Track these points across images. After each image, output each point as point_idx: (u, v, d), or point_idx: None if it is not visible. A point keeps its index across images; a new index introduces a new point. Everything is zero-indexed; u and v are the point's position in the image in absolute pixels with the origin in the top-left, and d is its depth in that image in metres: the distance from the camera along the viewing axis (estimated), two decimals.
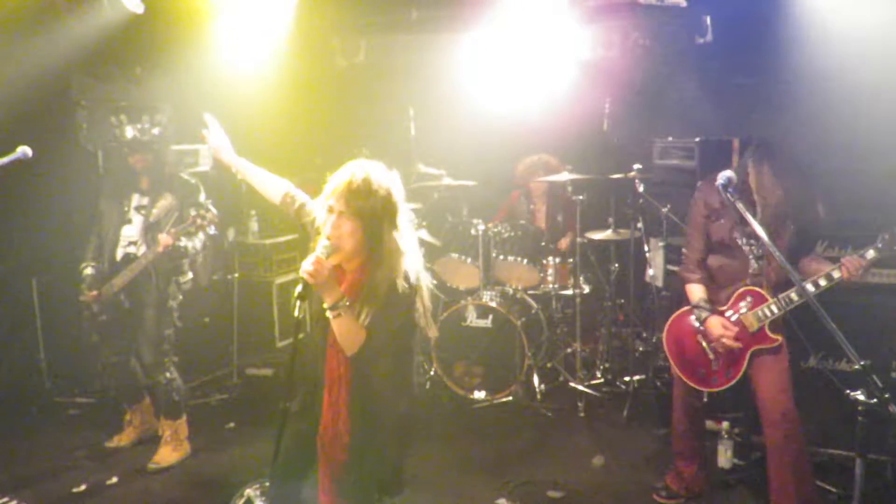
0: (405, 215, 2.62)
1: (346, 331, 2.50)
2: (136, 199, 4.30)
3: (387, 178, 2.57)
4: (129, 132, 4.19)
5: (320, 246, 2.47)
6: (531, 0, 5.70)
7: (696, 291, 3.51)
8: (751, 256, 3.44)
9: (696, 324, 3.48)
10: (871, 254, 3.17)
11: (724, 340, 3.37)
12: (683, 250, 3.65)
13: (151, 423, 4.62)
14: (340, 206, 2.48)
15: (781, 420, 3.29)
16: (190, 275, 4.43)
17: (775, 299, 3.32)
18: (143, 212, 4.27)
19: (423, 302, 2.65)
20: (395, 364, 2.71)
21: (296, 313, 2.42)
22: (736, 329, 3.38)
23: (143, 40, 5.47)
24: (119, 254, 4.26)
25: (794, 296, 3.26)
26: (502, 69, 6.22)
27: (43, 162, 3.82)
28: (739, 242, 3.44)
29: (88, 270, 4.28)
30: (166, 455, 4.33)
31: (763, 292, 3.39)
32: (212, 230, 4.25)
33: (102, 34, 5.13)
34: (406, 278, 2.56)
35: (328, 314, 2.48)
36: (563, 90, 6.10)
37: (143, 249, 4.22)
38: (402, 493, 2.86)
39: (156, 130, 4.24)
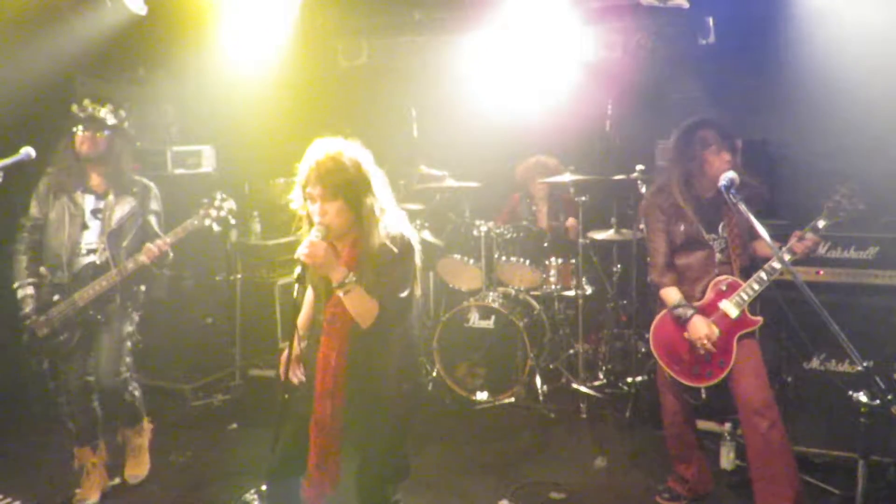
0: (378, 180, 2.68)
1: (359, 304, 2.59)
2: (90, 202, 3.86)
3: (352, 150, 2.63)
4: (89, 109, 3.80)
5: (313, 231, 2.56)
6: (534, 1, 5.71)
7: (672, 294, 3.54)
8: (715, 248, 3.51)
9: (680, 324, 3.50)
10: (821, 224, 3.31)
11: (706, 341, 3.39)
12: (649, 258, 3.68)
13: (106, 475, 4.08)
14: (319, 191, 2.56)
15: (764, 408, 3.29)
16: (143, 287, 4.05)
17: (750, 281, 3.38)
18: (99, 216, 3.85)
19: (414, 262, 2.73)
20: (399, 338, 2.76)
21: (294, 295, 2.55)
22: (717, 329, 3.41)
23: (147, 41, 5.48)
24: (80, 263, 3.79)
25: (764, 275, 3.34)
26: (505, 70, 6.22)
27: (46, 163, 3.83)
28: (704, 238, 3.51)
29: (28, 291, 3.75)
30: (140, 465, 4.21)
31: (736, 279, 3.45)
32: (232, 221, 3.89)
33: (105, 35, 5.15)
34: (395, 238, 2.64)
35: (339, 293, 2.55)
36: (566, 91, 6.10)
37: (104, 257, 3.79)
38: (408, 476, 2.89)
39: (114, 119, 3.86)
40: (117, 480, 4.16)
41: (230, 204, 3.87)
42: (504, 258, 5.52)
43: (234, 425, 4.98)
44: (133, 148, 4.19)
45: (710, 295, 3.48)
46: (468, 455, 4.46)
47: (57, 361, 3.89)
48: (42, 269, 3.81)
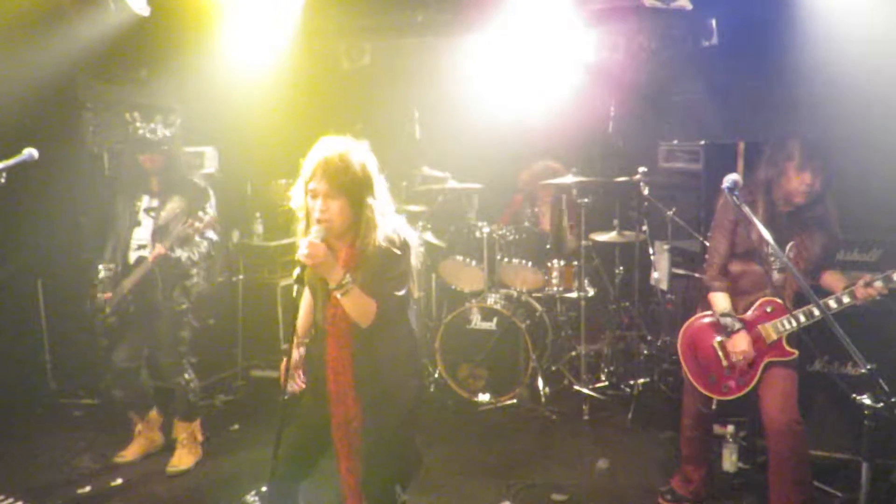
0: (381, 184, 2.70)
1: (357, 305, 2.59)
2: (146, 201, 4.26)
3: (359, 151, 2.65)
4: (141, 131, 4.14)
5: (313, 231, 2.56)
6: (536, 3, 5.71)
7: (722, 301, 3.44)
8: (775, 266, 3.40)
9: (722, 335, 3.42)
10: (879, 283, 3.14)
11: (744, 358, 3.34)
12: (707, 255, 3.59)
13: (157, 437, 4.56)
14: (324, 187, 2.56)
15: (787, 433, 3.25)
16: (196, 279, 4.37)
17: (798, 312, 3.28)
18: (152, 214, 4.22)
19: (412, 262, 2.74)
20: (400, 336, 2.76)
21: (294, 296, 2.57)
22: (758, 341, 3.36)
23: (149, 43, 5.48)
24: (132, 257, 4.21)
25: (815, 310, 3.20)
26: (507, 72, 6.22)
27: (49, 163, 3.83)
28: (766, 252, 3.37)
29: (104, 273, 4.23)
30: (183, 458, 4.32)
31: (784, 304, 3.35)
32: (210, 234, 4.20)
33: (108, 36, 5.15)
34: (393, 240, 2.64)
35: (336, 294, 2.56)
36: (569, 93, 6.10)
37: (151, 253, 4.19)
38: (420, 468, 2.89)
39: (167, 131, 4.19)
40: (119, 482, 4.15)
41: (209, 218, 4.12)
42: (506, 260, 5.51)
43: (237, 426, 4.98)
44: (183, 149, 4.57)
45: (753, 313, 3.40)
46: (470, 456, 4.46)
47: (112, 340, 4.32)
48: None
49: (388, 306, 2.66)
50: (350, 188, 2.57)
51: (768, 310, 3.38)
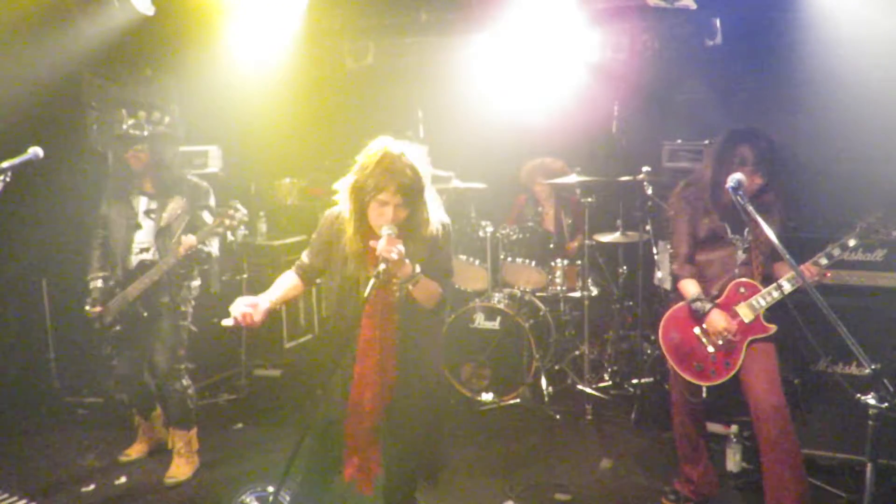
0: (428, 175, 2.83)
1: (427, 290, 2.73)
2: (143, 203, 4.11)
3: (413, 152, 2.78)
4: (124, 126, 4.04)
5: (385, 229, 2.64)
6: (540, 2, 5.71)
7: (691, 287, 3.54)
8: (738, 249, 3.51)
9: (697, 317, 3.49)
10: (823, 261, 3.31)
11: (727, 333, 3.39)
12: (671, 250, 3.70)
13: (160, 434, 4.49)
14: (398, 200, 2.67)
15: (775, 414, 3.27)
16: (199, 280, 4.27)
17: (770, 287, 3.37)
18: (152, 216, 4.09)
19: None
20: (435, 329, 2.91)
21: (366, 294, 2.52)
22: (737, 321, 3.42)
23: (154, 42, 5.50)
24: (133, 261, 4.07)
25: (785, 284, 3.33)
26: (511, 71, 6.21)
27: (54, 163, 3.84)
28: (728, 236, 3.52)
29: (97, 283, 4.10)
30: (181, 468, 4.20)
31: (755, 283, 3.44)
32: (242, 230, 4.20)
33: (113, 36, 5.17)
34: (440, 226, 2.83)
35: (409, 286, 2.68)
36: (572, 93, 6.09)
37: (156, 255, 4.06)
38: (439, 470, 2.94)
39: (149, 128, 4.06)
40: (123, 479, 4.16)
41: (241, 215, 3.95)
42: (510, 259, 5.51)
43: (240, 425, 4.99)
44: (177, 145, 4.42)
45: (727, 296, 3.47)
46: (473, 456, 4.46)
47: (117, 347, 4.20)
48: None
49: (446, 289, 2.81)
50: (413, 194, 2.71)
51: (741, 290, 3.45)
